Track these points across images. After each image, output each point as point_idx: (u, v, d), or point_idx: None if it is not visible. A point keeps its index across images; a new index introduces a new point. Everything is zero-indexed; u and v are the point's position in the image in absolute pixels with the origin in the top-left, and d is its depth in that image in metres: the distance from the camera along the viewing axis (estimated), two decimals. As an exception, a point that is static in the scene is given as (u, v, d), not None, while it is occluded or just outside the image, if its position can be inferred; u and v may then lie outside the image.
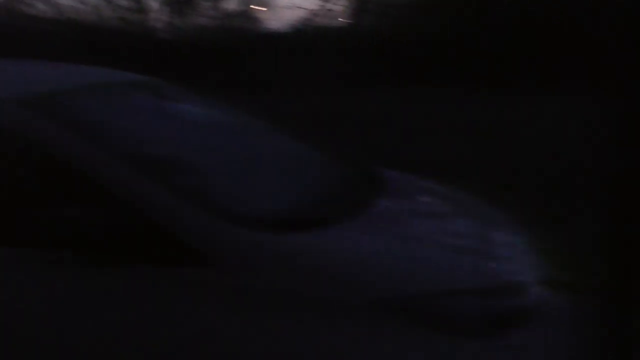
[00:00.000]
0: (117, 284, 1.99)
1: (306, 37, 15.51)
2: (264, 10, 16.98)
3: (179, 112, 3.01)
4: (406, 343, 1.91)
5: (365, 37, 15.33)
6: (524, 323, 2.10)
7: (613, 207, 0.99)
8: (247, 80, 13.42)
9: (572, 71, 11.54)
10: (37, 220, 2.01)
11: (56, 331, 2.02)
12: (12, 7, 17.03)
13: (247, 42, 15.76)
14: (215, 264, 1.96)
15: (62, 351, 2.02)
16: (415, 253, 2.20)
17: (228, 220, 2.04)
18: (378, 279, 2.00)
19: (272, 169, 2.67)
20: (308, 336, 1.89)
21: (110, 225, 2.02)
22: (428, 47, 14.32)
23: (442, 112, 10.48)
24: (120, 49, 14.19)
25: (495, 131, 8.83)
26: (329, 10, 13.96)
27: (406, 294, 1.99)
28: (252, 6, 16.79)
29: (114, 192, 2.05)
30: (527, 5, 14.12)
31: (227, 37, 16.12)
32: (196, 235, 1.99)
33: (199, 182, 2.31)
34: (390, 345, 1.90)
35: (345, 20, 16.38)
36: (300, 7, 14.42)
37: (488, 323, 2.04)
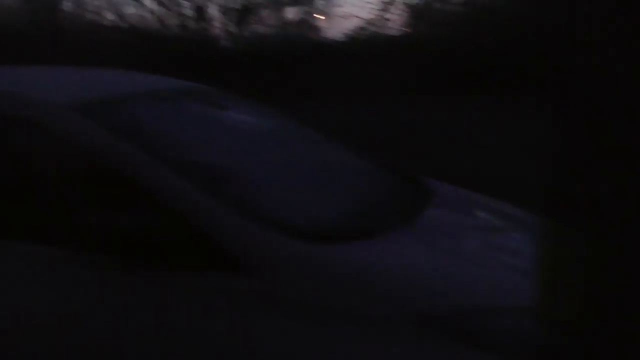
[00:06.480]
0: (158, 288, 2.01)
1: (363, 46, 15.49)
2: (323, 19, 17.10)
3: (231, 120, 3.02)
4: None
5: (422, 46, 15.23)
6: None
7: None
8: (304, 89, 13.47)
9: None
10: (85, 225, 2.05)
11: (94, 332, 2.05)
12: (79, 15, 17.60)
13: (306, 51, 15.84)
14: (256, 273, 1.96)
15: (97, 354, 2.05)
16: (461, 268, 2.14)
17: (272, 230, 2.03)
18: (420, 293, 1.96)
19: (319, 178, 2.66)
20: (343, 350, 1.86)
21: (157, 231, 2.04)
22: (484, 56, 14.13)
23: (496, 123, 10.28)
24: (181, 57, 14.45)
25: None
26: (386, 19, 13.92)
27: (449, 310, 1.94)
28: (314, 15, 16.92)
29: (162, 199, 2.07)
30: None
31: (286, 46, 16.25)
32: (239, 243, 1.99)
33: (246, 191, 2.31)
34: None
35: (402, 29, 16.32)
36: (358, 17, 14.41)
37: (535, 344, 1.96)
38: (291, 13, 17.75)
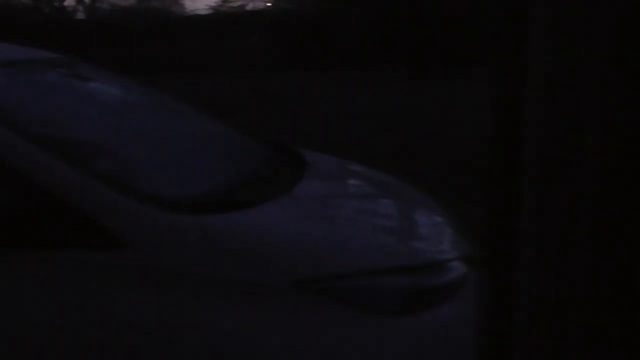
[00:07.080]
0: (31, 269, 1.90)
1: (226, 18, 15.35)
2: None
3: (94, 91, 2.89)
4: (328, 322, 1.91)
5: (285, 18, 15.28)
6: (446, 300, 2.14)
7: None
8: (167, 62, 13.17)
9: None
10: None
11: None
12: None
13: (166, 24, 15.45)
14: (133, 247, 1.90)
15: None
16: (336, 233, 2.20)
17: (146, 203, 1.98)
18: (298, 259, 1.99)
19: (192, 150, 2.61)
20: (228, 318, 1.86)
21: (21, 209, 1.93)
22: (348, 30, 14.39)
23: (363, 95, 10.57)
24: (35, 28, 13.64)
25: (415, 115, 8.95)
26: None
27: (327, 274, 1.99)
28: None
29: (25, 174, 1.95)
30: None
31: (146, 18, 15.76)
32: (113, 218, 1.92)
33: (116, 164, 2.23)
34: (312, 325, 1.90)
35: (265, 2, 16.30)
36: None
37: (409, 301, 2.06)
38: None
